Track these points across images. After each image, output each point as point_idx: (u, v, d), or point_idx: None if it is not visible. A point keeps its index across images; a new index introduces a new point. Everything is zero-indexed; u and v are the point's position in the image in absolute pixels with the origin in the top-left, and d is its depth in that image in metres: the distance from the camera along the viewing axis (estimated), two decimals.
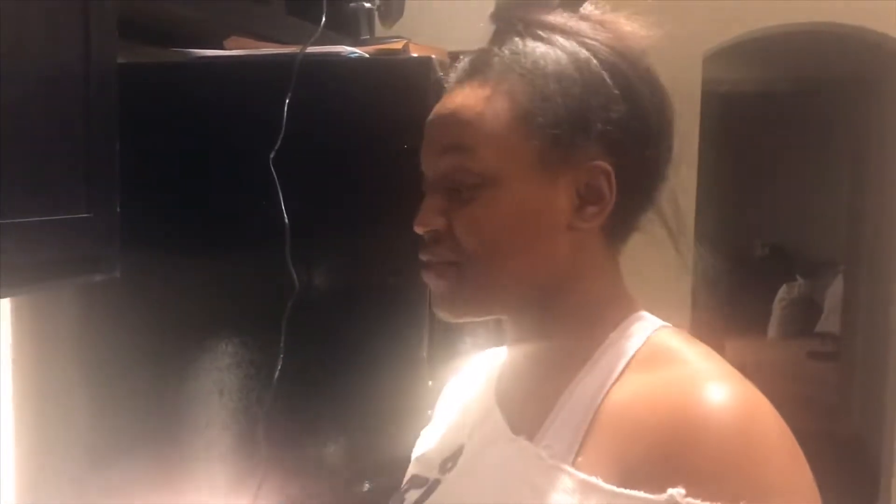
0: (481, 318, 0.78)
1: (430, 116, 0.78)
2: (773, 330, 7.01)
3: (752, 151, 6.92)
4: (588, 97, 0.73)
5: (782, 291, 7.11)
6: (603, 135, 0.73)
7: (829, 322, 6.49)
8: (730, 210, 6.55)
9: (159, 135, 1.36)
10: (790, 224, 7.31)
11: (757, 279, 6.91)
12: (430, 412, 0.97)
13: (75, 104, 1.17)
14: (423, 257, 0.77)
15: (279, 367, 1.29)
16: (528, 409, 0.76)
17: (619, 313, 0.76)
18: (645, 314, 0.77)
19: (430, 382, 1.24)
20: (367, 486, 1.30)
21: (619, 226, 0.77)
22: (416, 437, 0.93)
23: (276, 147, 1.25)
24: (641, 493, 0.63)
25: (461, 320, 0.78)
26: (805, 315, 6.96)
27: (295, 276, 1.27)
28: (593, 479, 0.66)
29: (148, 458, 1.40)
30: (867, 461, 3.94)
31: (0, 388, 1.45)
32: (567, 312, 0.75)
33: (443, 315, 0.78)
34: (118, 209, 1.22)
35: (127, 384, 1.40)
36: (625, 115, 0.73)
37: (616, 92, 0.73)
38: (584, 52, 0.74)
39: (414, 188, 1.27)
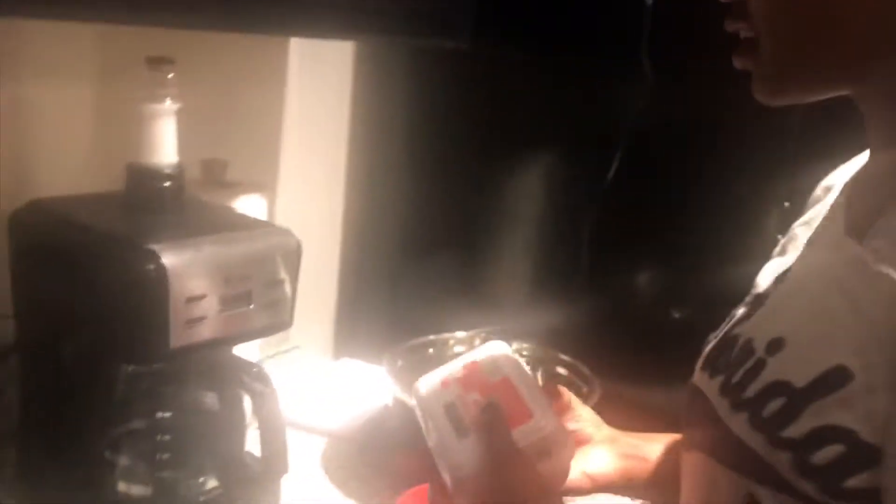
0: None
1: None
2: None
3: None
4: None
5: None
6: None
7: None
8: None
9: None
10: None
11: None
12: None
13: None
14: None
15: (612, 173, 1.18)
16: (869, 206, 0.59)
17: None
18: None
19: (785, 204, 1.06)
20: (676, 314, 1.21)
21: None
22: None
23: None
24: None
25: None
26: None
27: (650, 70, 1.13)
28: None
29: (460, 248, 1.37)
30: None
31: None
32: None
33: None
34: None
35: (450, 167, 1.36)
36: None
37: None
38: None
39: None
